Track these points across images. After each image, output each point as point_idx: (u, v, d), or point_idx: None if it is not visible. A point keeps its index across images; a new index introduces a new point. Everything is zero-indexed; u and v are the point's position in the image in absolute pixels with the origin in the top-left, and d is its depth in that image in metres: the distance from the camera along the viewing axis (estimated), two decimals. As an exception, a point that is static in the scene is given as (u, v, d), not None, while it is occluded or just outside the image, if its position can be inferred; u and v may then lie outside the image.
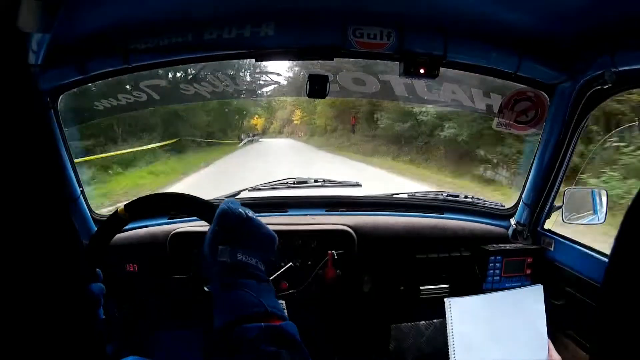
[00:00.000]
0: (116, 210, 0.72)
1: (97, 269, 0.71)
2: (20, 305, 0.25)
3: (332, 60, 1.13)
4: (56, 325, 0.27)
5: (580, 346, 1.16)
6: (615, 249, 0.31)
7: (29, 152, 0.25)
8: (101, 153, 6.93)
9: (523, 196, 1.36)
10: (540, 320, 1.07)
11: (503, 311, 1.07)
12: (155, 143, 8.74)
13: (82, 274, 0.31)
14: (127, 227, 0.78)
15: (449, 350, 1.01)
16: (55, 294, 0.27)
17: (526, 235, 1.37)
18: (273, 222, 1.34)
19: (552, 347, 1.04)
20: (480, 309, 1.07)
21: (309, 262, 1.25)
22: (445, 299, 1.05)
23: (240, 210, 0.61)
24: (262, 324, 0.49)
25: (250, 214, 0.62)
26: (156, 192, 0.76)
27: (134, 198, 0.74)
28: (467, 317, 1.05)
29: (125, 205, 0.72)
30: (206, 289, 0.76)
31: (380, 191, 1.58)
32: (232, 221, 0.59)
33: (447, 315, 1.04)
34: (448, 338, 1.02)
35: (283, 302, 0.91)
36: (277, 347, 0.47)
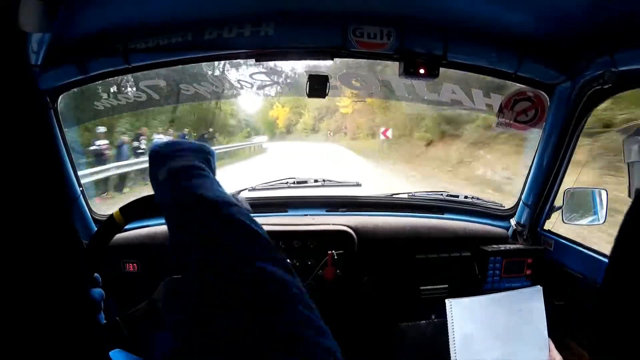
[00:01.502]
0: (112, 215, 0.73)
1: (96, 274, 0.71)
2: (20, 311, 0.24)
3: (332, 60, 1.13)
4: (56, 331, 0.26)
5: (581, 346, 1.16)
6: (615, 249, 0.31)
7: (29, 153, 0.25)
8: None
9: (523, 196, 1.36)
10: (541, 320, 1.07)
11: (503, 312, 1.08)
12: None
13: (83, 277, 0.31)
14: (127, 226, 0.78)
15: (450, 351, 1.01)
16: (55, 299, 0.26)
17: (526, 235, 1.36)
18: (273, 222, 1.33)
19: (553, 347, 1.04)
20: (480, 310, 1.07)
21: (309, 262, 1.25)
22: (446, 300, 1.05)
23: (164, 140, 0.61)
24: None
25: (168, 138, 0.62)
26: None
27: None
28: (468, 318, 1.05)
29: (120, 209, 0.73)
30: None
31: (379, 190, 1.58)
32: (158, 148, 0.58)
33: (448, 316, 1.04)
34: (449, 339, 1.02)
35: (243, 196, 0.89)
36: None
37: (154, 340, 1.30)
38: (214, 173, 0.56)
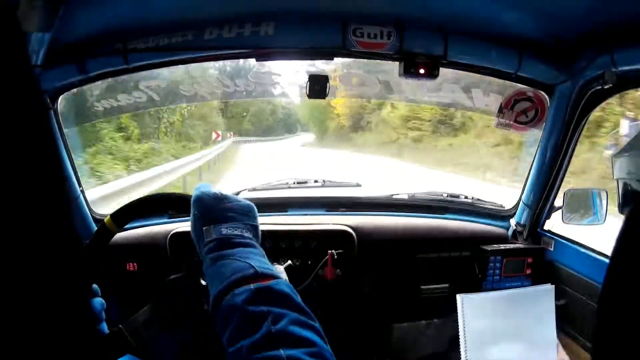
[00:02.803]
0: (103, 222, 0.74)
1: (94, 285, 0.70)
2: (18, 321, 0.23)
3: (332, 60, 1.13)
4: (57, 343, 0.25)
5: (581, 346, 1.16)
6: (616, 248, 0.31)
7: (29, 154, 0.24)
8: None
9: (523, 197, 1.36)
10: (550, 320, 1.06)
11: (514, 309, 1.07)
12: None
13: (84, 286, 0.30)
14: (127, 226, 0.78)
15: (461, 346, 1.00)
16: (56, 309, 0.25)
17: (526, 235, 1.36)
18: (273, 222, 1.33)
19: (561, 348, 1.03)
20: (491, 307, 1.07)
21: (309, 262, 1.25)
22: (457, 295, 1.05)
23: (214, 191, 0.62)
24: (252, 285, 0.47)
25: (224, 192, 0.63)
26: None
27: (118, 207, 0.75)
28: (479, 314, 1.05)
29: (111, 216, 0.74)
30: (203, 282, 0.76)
31: (380, 191, 1.58)
32: (208, 202, 0.60)
33: (459, 312, 1.03)
34: (460, 335, 1.01)
35: (280, 266, 0.91)
36: (267, 306, 0.45)
37: (157, 342, 1.30)
38: (258, 238, 0.60)
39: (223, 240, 0.55)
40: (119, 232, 0.75)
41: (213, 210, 0.59)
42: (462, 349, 1.00)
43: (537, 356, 1.03)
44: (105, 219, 0.74)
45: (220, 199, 0.61)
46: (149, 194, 0.76)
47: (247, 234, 0.58)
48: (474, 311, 1.05)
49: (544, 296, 1.09)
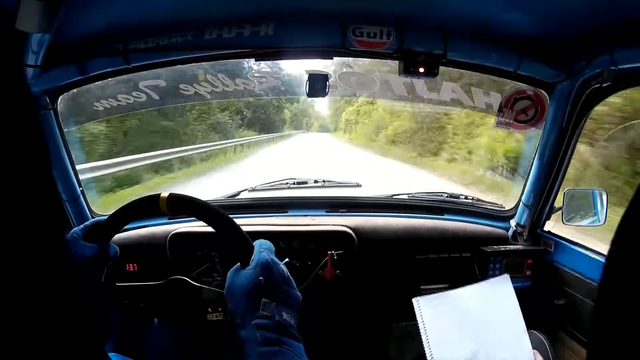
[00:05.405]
0: (159, 195, 0.70)
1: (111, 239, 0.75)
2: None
3: (332, 59, 1.13)
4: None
5: (582, 346, 1.15)
6: (613, 246, 0.31)
7: (17, 163, 0.23)
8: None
9: (523, 197, 1.36)
10: (515, 308, 1.05)
11: (474, 305, 1.06)
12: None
13: (76, 286, 0.29)
14: (126, 227, 0.78)
15: (425, 349, 0.99)
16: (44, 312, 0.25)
17: (526, 236, 1.36)
18: (273, 222, 1.33)
19: (538, 355, 1.02)
20: (450, 306, 1.05)
21: (309, 263, 1.25)
22: (413, 299, 1.04)
23: (283, 267, 0.64)
24: None
25: (286, 271, 0.64)
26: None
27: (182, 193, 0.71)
28: (438, 315, 1.03)
29: (170, 195, 0.69)
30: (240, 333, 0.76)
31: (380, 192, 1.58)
32: (277, 277, 0.62)
33: (417, 315, 1.02)
34: (422, 338, 1.00)
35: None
36: None
37: (148, 340, 1.30)
38: (297, 327, 0.61)
39: (282, 326, 0.57)
40: (165, 214, 0.73)
41: (278, 287, 0.61)
42: (427, 353, 0.98)
43: (509, 346, 1.02)
44: (162, 195, 0.69)
45: (286, 279, 0.63)
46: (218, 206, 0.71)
47: (295, 326, 0.60)
48: (435, 312, 1.03)
49: (501, 286, 1.08)
